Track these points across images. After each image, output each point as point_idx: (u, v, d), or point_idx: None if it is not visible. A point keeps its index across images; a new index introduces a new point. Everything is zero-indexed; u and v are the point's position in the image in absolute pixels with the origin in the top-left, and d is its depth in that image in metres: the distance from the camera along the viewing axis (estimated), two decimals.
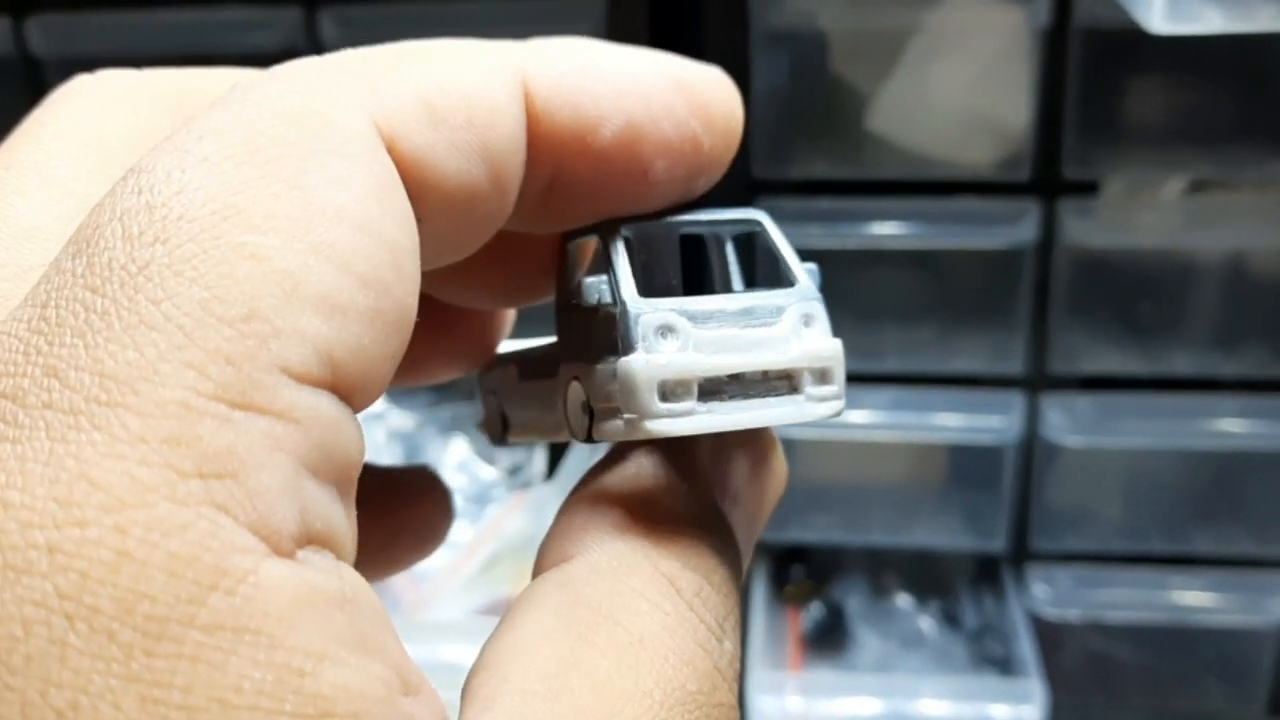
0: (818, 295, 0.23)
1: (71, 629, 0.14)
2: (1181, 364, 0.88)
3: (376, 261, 0.18)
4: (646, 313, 0.22)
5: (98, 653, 0.14)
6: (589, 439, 0.23)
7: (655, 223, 0.24)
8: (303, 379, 0.16)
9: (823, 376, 0.23)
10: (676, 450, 0.23)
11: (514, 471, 0.98)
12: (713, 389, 0.22)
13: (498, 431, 0.30)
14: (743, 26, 0.80)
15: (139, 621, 0.14)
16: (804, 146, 0.85)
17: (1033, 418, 0.90)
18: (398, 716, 0.16)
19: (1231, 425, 0.88)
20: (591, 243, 0.24)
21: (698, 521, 0.22)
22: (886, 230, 0.85)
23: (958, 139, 0.85)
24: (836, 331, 0.24)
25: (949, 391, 0.91)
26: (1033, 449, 0.91)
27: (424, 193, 0.19)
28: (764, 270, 0.25)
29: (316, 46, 0.82)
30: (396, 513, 0.31)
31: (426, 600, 0.83)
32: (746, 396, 0.22)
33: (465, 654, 0.71)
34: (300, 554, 0.16)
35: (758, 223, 0.25)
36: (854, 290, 0.89)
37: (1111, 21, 0.78)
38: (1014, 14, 0.80)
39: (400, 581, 0.85)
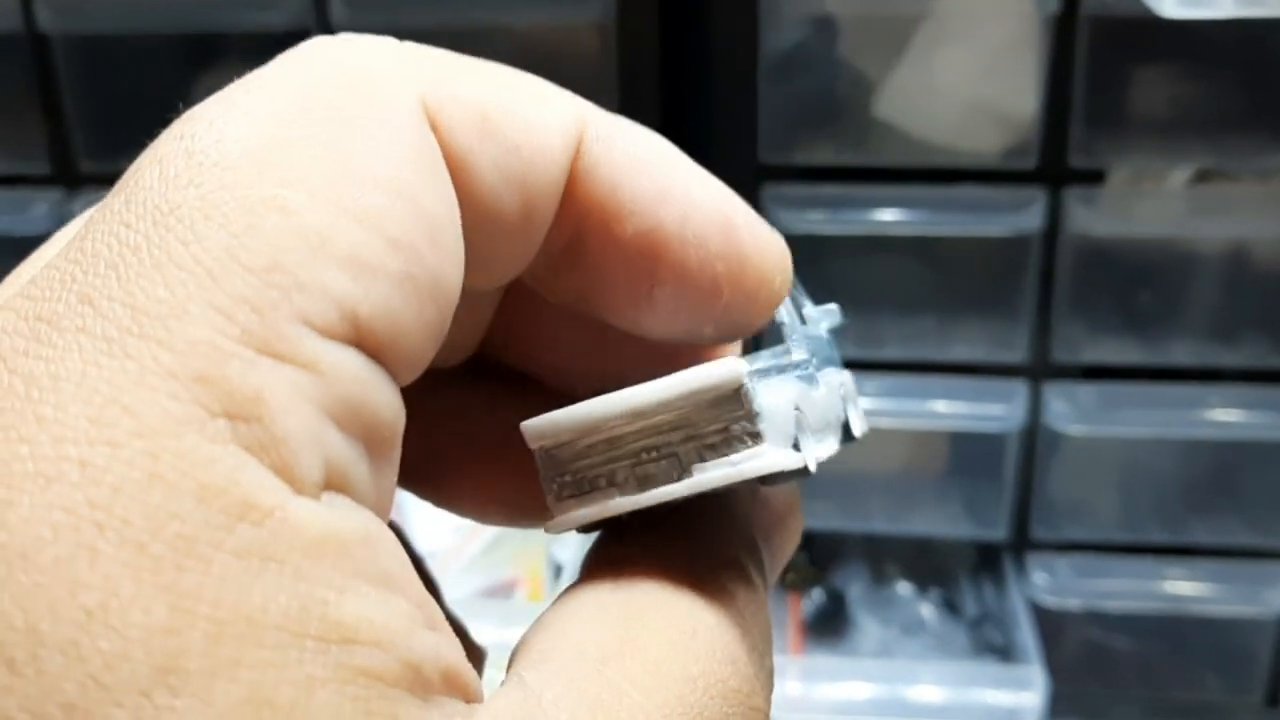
0: None
1: (102, 536, 0.15)
2: (1184, 354, 0.88)
3: (409, 227, 0.18)
4: None
5: (128, 560, 0.15)
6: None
7: None
8: (325, 332, 0.17)
9: None
10: (716, 499, 0.23)
11: None
12: None
13: None
14: (751, 11, 0.80)
15: (169, 538, 0.15)
16: (810, 133, 0.85)
17: (1035, 406, 0.90)
18: (421, 648, 0.16)
19: (1232, 416, 0.88)
20: None
21: (744, 548, 0.23)
22: (892, 217, 0.85)
23: (964, 126, 0.84)
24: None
25: (951, 379, 0.91)
26: (1035, 437, 0.91)
27: (459, 196, 0.19)
28: None
29: (326, 26, 0.82)
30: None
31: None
32: None
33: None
34: (323, 496, 0.16)
35: None
36: (858, 277, 0.89)
37: (1120, 9, 0.78)
38: (1022, 1, 0.80)
39: None
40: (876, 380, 0.91)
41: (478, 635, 0.27)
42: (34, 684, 0.14)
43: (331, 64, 0.19)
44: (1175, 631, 0.95)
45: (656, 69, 0.82)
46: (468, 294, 0.20)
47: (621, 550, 0.22)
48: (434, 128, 0.19)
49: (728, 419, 0.21)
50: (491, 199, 0.20)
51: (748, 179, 0.84)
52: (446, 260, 0.18)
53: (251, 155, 0.17)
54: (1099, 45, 0.80)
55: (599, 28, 0.81)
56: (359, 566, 0.16)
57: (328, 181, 0.17)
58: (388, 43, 0.20)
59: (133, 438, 0.15)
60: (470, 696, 0.17)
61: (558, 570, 0.83)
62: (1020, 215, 0.85)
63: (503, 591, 0.83)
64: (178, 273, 0.16)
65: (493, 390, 0.27)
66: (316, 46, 0.20)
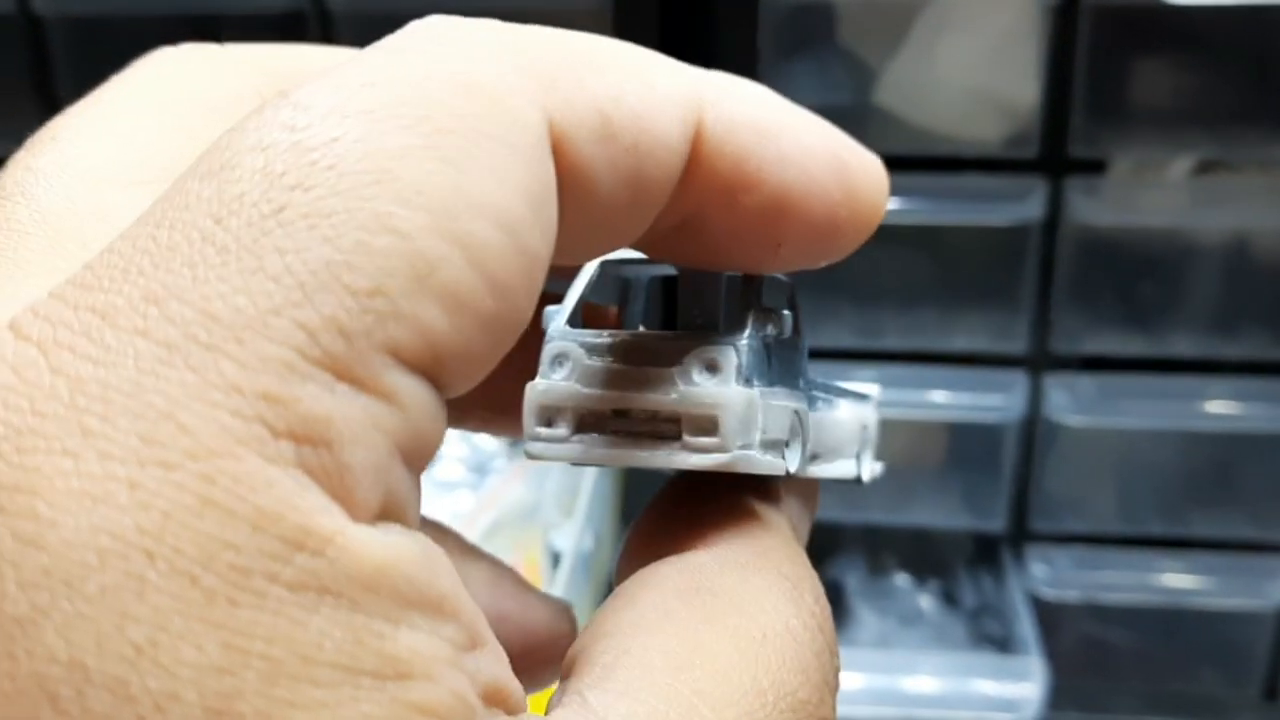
0: (744, 344, 0.22)
1: (151, 566, 0.14)
2: (1184, 345, 0.88)
3: (512, 269, 0.17)
4: (554, 340, 0.22)
5: (179, 593, 0.14)
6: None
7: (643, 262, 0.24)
8: (410, 365, 0.16)
9: (705, 426, 0.22)
10: (767, 480, 0.23)
11: (515, 442, 0.97)
12: (595, 422, 0.22)
13: None
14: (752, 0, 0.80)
15: (223, 569, 0.14)
16: None
17: (1035, 397, 0.90)
18: (466, 673, 0.16)
19: (1232, 408, 0.88)
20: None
21: (799, 537, 0.22)
22: (891, 206, 0.85)
23: (965, 115, 0.84)
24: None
25: (951, 370, 0.91)
26: (1034, 429, 0.91)
27: (570, 204, 0.18)
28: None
29: (322, 11, 0.82)
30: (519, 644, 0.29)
31: None
32: (629, 434, 0.22)
33: None
34: (378, 524, 0.15)
35: None
36: (858, 266, 0.88)
37: None
38: None
39: None
40: (875, 370, 0.90)
41: None
42: None
43: (445, 61, 0.17)
44: (1173, 624, 0.94)
45: None
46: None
47: (677, 541, 0.21)
48: (555, 142, 0.18)
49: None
50: (606, 199, 0.19)
51: None
52: (533, 299, 0.18)
53: (369, 163, 0.16)
54: (1101, 34, 0.80)
55: (597, 15, 0.81)
56: (414, 595, 0.15)
57: (443, 204, 0.16)
58: (491, 34, 0.19)
59: (187, 459, 0.14)
60: (512, 707, 0.17)
61: (556, 558, 0.83)
62: (1020, 205, 0.85)
63: None
64: (266, 283, 0.15)
65: None
66: (432, 33, 0.18)
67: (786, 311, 0.23)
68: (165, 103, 0.22)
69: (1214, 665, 0.97)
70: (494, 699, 0.16)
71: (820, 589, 0.21)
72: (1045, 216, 0.85)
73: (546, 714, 0.17)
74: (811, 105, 0.23)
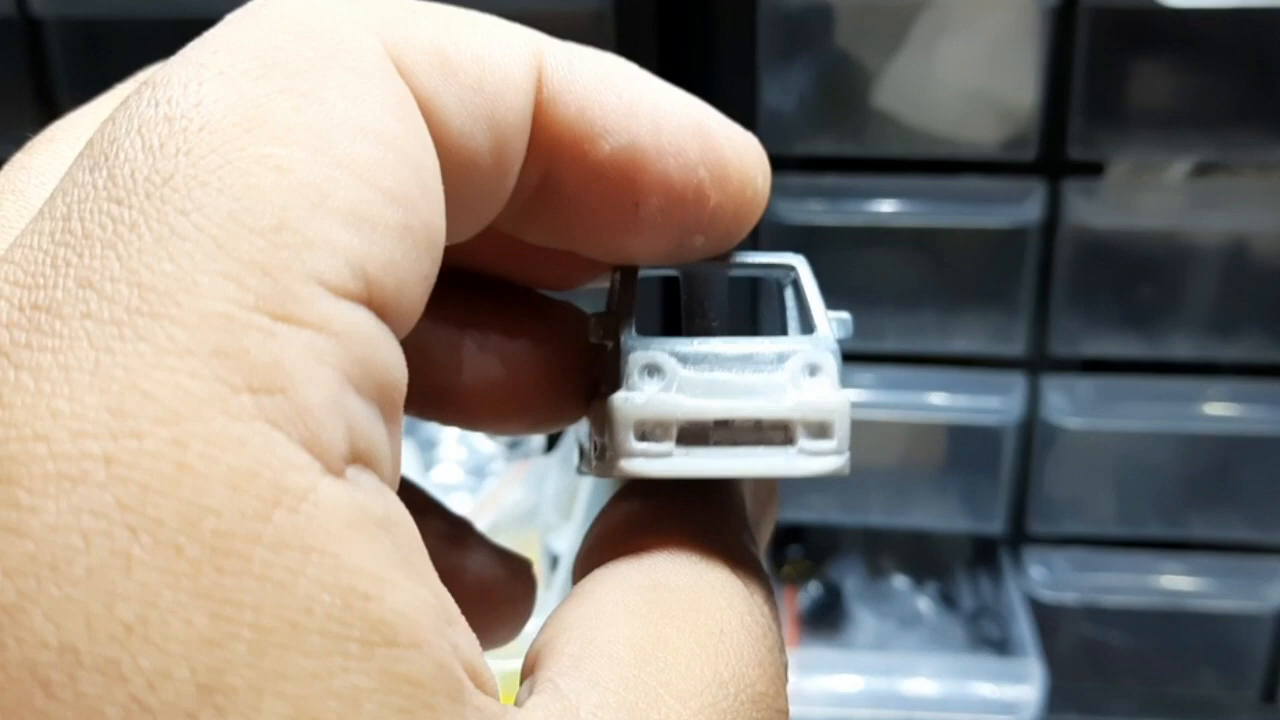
0: (833, 346, 0.22)
1: (136, 541, 0.14)
2: (1182, 347, 0.88)
3: (402, 177, 0.17)
4: (637, 350, 0.22)
5: (165, 567, 0.14)
6: (588, 472, 0.23)
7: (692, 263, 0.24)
8: (338, 291, 0.16)
9: (820, 430, 0.21)
10: (722, 482, 0.23)
11: (513, 444, 0.97)
12: (697, 433, 0.21)
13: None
14: (751, 1, 0.80)
15: (205, 537, 0.14)
16: (809, 123, 0.85)
17: (1034, 399, 0.90)
18: (450, 645, 0.16)
19: (1230, 410, 0.88)
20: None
21: (751, 538, 0.23)
22: (890, 208, 0.85)
23: (964, 117, 0.84)
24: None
25: (949, 372, 0.91)
26: (1033, 431, 0.91)
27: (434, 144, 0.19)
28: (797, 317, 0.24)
29: None
30: (478, 594, 0.29)
31: None
32: (734, 444, 0.21)
33: None
34: (349, 472, 0.15)
35: (792, 268, 0.24)
36: (856, 268, 0.89)
37: (1121, 1, 0.77)
38: None
39: None
40: (874, 372, 0.91)
41: None
42: (73, 709, 0.13)
43: (286, 16, 0.18)
44: (1172, 626, 0.94)
45: (655, 59, 0.81)
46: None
47: (633, 541, 0.21)
48: (398, 72, 0.18)
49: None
50: (462, 141, 0.19)
51: None
52: (436, 208, 0.18)
53: (235, 115, 0.16)
54: (1099, 36, 0.80)
55: (596, 16, 0.81)
56: (388, 553, 0.15)
57: (316, 135, 0.17)
58: None
59: (157, 426, 0.14)
60: (489, 690, 0.17)
61: (554, 561, 0.83)
62: (1019, 207, 0.85)
63: None
64: (181, 244, 0.15)
65: (464, 292, 0.27)
66: (265, 2, 0.19)
67: (846, 314, 0.23)
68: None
69: (1212, 667, 0.97)
70: (475, 680, 0.16)
71: (770, 587, 0.21)
72: (1044, 218, 0.85)
73: (519, 704, 0.17)
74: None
